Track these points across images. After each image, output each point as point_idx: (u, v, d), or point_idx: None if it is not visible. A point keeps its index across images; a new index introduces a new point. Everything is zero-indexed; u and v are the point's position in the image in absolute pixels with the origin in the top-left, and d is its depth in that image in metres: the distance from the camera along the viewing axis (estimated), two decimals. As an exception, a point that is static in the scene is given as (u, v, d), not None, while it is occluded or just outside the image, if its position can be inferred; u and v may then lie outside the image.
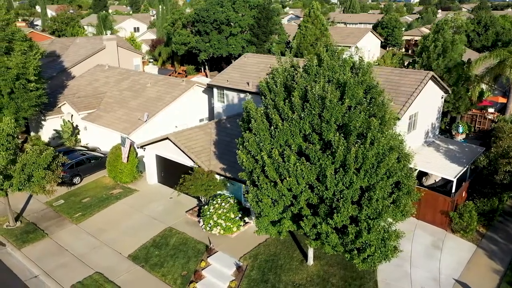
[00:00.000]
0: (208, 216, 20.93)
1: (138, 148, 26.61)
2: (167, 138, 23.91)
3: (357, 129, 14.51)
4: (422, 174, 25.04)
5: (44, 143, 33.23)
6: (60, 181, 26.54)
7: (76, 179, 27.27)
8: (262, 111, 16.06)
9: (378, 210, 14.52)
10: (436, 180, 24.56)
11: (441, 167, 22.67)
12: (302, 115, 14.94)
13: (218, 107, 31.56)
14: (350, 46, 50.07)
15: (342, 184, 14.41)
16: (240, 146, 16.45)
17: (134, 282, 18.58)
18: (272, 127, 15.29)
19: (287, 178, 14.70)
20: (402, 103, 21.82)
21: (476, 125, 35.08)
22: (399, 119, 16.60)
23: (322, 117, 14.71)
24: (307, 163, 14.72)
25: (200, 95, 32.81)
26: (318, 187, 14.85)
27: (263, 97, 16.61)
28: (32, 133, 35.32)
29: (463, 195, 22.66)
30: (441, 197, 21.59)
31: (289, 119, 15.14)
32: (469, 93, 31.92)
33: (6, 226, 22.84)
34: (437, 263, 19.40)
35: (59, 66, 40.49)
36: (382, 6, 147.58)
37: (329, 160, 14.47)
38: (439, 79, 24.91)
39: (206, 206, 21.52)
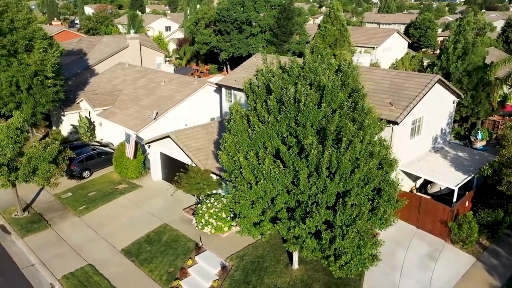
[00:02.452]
0: (200, 214, 21.13)
1: (143, 145, 27.20)
2: (168, 136, 24.31)
3: (332, 133, 14.21)
4: (428, 182, 24.18)
5: (63, 137, 34.69)
6: (69, 175, 27.96)
7: (86, 173, 28.25)
8: (243, 113, 16.03)
9: (352, 217, 14.16)
10: (441, 188, 23.63)
11: (444, 175, 21.77)
12: (279, 118, 14.80)
13: (226, 106, 31.73)
14: (374, 47, 49.00)
15: (316, 188, 14.17)
16: (222, 147, 16.50)
17: (122, 275, 19.05)
18: (249, 129, 15.24)
19: (261, 181, 14.60)
20: (403, 107, 21.11)
21: (498, 132, 33.35)
22: (382, 126, 16.00)
23: (297, 121, 14.51)
24: (282, 166, 14.57)
25: (212, 94, 33.11)
26: (294, 191, 14.67)
27: (247, 98, 16.58)
28: (53, 128, 36.91)
29: (466, 205, 21.65)
30: (440, 206, 20.75)
31: (266, 122, 15.03)
32: (490, 97, 30.41)
33: (14, 215, 24.01)
34: (430, 274, 18.66)
35: (84, 63, 42.07)
36: (422, 6, 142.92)
37: (303, 164, 14.26)
38: (448, 83, 23.88)
39: (199, 205, 21.73)
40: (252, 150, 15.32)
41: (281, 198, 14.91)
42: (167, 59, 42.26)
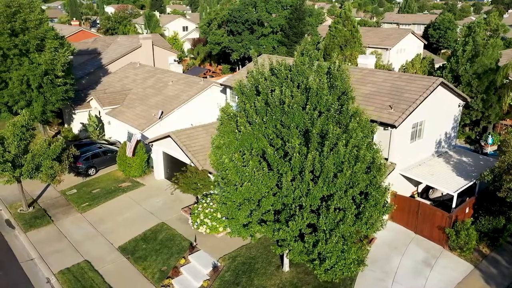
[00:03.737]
0: (195, 214, 21.29)
1: (146, 144, 27.57)
2: (169, 136, 24.58)
3: (316, 136, 14.11)
4: (430, 187, 23.70)
5: (74, 135, 35.50)
6: (76, 172, 28.61)
7: (92, 171, 28.83)
8: (231, 114, 16.07)
9: (336, 221, 14.03)
10: (443, 194, 23.15)
11: (444, 180, 21.31)
12: (265, 120, 14.79)
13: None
14: (388, 49, 48.28)
15: (300, 191, 14.10)
16: (211, 148, 16.57)
17: (116, 272, 19.38)
18: (236, 130, 15.27)
19: (245, 183, 14.61)
20: (402, 111, 20.76)
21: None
22: (374, 130, 15.76)
23: (283, 123, 14.47)
24: (267, 168, 14.54)
25: (218, 94, 33.25)
26: (279, 193, 14.64)
27: (237, 98, 16.61)
28: (65, 125, 37.80)
29: (467, 211, 21.12)
30: (438, 212, 20.31)
31: (253, 123, 15.04)
32: (501, 101, 29.58)
33: (20, 210, 24.71)
34: (424, 281, 18.28)
35: (97, 63, 42.91)
36: (446, 5, 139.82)
37: (288, 166, 14.21)
38: (452, 86, 23.34)
39: (195, 205, 21.90)
40: (240, 151, 15.35)
41: (267, 200, 14.89)
42: (175, 59, 42.56)
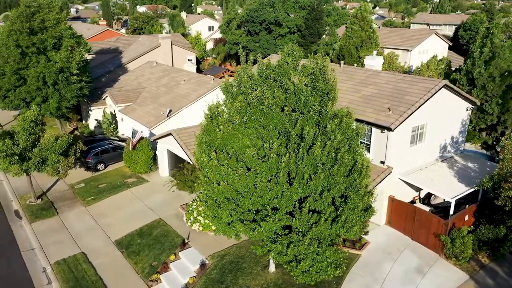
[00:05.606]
0: (189, 211, 21.55)
1: (152, 141, 28.12)
2: (170, 134, 24.99)
3: (294, 138, 14.00)
4: (431, 193, 22.98)
5: (90, 131, 36.67)
6: (86, 167, 29.55)
7: (100, 166, 29.68)
8: (216, 112, 16.17)
9: (310, 223, 13.88)
10: (445, 200, 22.37)
11: (443, 186, 20.62)
12: (245, 119, 14.80)
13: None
14: (409, 50, 47.08)
15: (275, 192, 14.03)
16: (195, 145, 16.74)
17: (108, 265, 19.90)
18: (217, 129, 15.35)
19: (222, 182, 14.68)
20: (400, 113, 20.23)
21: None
22: (358, 132, 15.38)
23: (262, 123, 14.44)
24: (244, 169, 14.54)
25: (229, 94, 33.41)
26: (255, 194, 14.61)
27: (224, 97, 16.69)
28: (83, 121, 39.09)
29: (466, 218, 20.34)
30: (434, 218, 19.68)
31: (235, 123, 15.08)
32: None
33: (29, 202, 25.78)
34: (413, 289, 17.79)
35: (118, 61, 44.11)
36: (483, 5, 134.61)
37: (265, 167, 14.17)
38: (457, 89, 22.51)
39: (190, 202, 22.16)
40: (222, 150, 15.43)
41: (245, 200, 14.89)
42: (189, 58, 43.10)
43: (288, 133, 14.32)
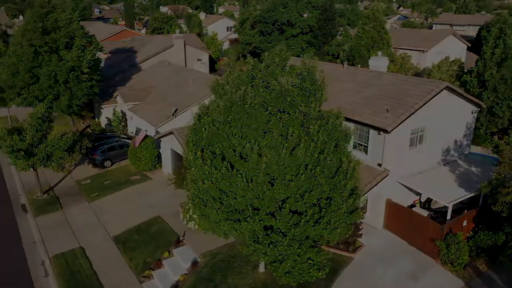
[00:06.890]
0: (185, 209, 21.74)
1: (155, 139, 28.51)
2: (172, 133, 25.28)
3: (277, 138, 13.96)
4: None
5: (101, 129, 37.47)
6: (93, 163, 30.22)
7: (107, 163, 30.28)
8: (204, 111, 16.28)
9: (290, 224, 13.81)
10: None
11: (441, 190, 20.14)
12: (229, 119, 14.85)
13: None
14: (424, 51, 46.10)
15: (256, 192, 14.01)
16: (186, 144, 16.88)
17: (104, 260, 20.30)
18: (203, 129, 15.46)
19: (206, 181, 14.77)
20: (398, 115, 19.87)
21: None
22: (348, 135, 15.17)
23: (246, 123, 14.45)
24: (227, 168, 14.59)
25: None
26: (237, 193, 14.63)
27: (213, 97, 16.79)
28: (96, 119, 39.95)
29: (464, 224, 19.81)
30: (430, 223, 19.25)
31: (220, 122, 15.15)
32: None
33: (36, 196, 26.55)
34: (404, 294, 17.45)
35: (132, 61, 44.92)
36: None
37: (246, 167, 14.18)
38: (461, 92, 21.94)
39: (187, 200, 22.33)
40: (208, 149, 15.52)
41: (228, 199, 14.93)
42: (199, 58, 43.48)
43: (272, 133, 14.29)
